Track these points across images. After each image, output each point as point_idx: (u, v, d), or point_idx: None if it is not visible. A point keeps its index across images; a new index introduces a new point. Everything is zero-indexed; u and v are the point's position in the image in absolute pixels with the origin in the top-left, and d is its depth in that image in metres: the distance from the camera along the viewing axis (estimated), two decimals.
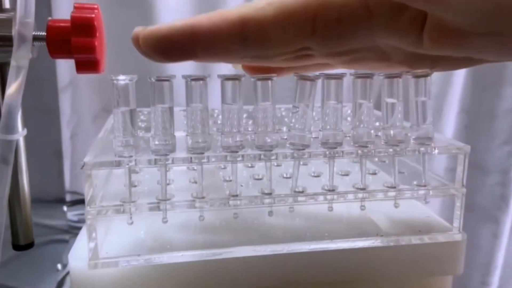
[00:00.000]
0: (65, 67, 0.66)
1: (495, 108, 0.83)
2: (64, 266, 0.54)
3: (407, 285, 0.29)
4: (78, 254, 0.27)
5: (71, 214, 0.63)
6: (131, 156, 0.26)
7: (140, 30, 0.23)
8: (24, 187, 0.34)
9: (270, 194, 0.28)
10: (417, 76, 0.27)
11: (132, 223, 0.27)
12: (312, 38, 0.22)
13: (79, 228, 0.68)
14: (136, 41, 0.23)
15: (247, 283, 0.27)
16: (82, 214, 0.69)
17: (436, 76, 0.84)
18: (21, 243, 0.34)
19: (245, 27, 0.22)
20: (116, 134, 0.26)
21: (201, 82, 0.26)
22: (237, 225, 0.30)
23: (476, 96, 0.87)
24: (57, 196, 0.56)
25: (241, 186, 0.29)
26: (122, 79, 0.26)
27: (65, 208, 0.57)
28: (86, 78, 0.74)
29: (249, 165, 0.36)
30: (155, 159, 0.26)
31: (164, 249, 0.27)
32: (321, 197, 0.28)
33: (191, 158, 0.26)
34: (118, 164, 0.25)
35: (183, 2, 0.79)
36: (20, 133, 0.31)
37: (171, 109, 0.26)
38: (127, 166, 0.25)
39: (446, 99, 0.87)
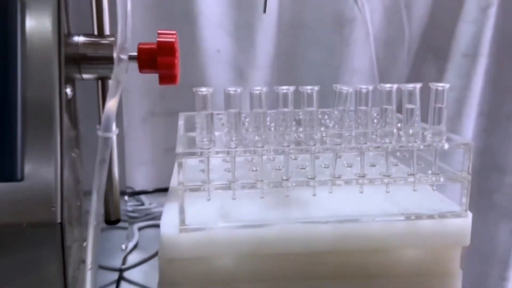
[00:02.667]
0: None
1: None
2: (125, 247, 0.63)
3: (425, 253, 0.37)
4: (167, 223, 0.35)
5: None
6: (209, 148, 0.34)
7: None
8: (116, 176, 0.43)
9: (313, 178, 0.36)
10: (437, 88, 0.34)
11: (209, 199, 0.35)
12: None
13: (134, 218, 0.76)
14: None
15: (294, 248, 0.35)
16: (135, 205, 0.79)
17: (456, 82, 0.90)
18: (112, 219, 0.43)
19: None
20: (199, 132, 0.34)
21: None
22: (286, 203, 0.38)
23: (494, 100, 0.93)
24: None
25: (292, 172, 0.37)
26: (203, 90, 0.34)
27: (126, 198, 0.66)
28: (136, 84, 0.84)
29: (293, 158, 0.44)
30: (228, 151, 0.34)
31: (232, 220, 0.35)
32: (354, 182, 0.36)
33: (254, 150, 0.34)
34: (201, 154, 0.34)
35: (223, 16, 0.88)
36: (114, 132, 0.39)
37: (240, 113, 0.34)
38: (207, 155, 0.34)
39: (465, 103, 0.93)
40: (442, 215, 0.36)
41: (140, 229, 0.71)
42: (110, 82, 0.39)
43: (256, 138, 0.34)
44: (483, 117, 0.97)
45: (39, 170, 0.32)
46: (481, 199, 0.89)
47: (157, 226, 0.73)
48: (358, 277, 0.36)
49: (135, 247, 0.66)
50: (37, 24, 0.33)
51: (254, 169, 0.39)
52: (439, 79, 1.01)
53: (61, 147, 0.33)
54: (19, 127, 0.32)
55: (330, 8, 0.92)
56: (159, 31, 0.40)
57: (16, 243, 0.32)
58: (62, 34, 0.33)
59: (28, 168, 0.32)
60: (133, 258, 0.63)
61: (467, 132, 0.92)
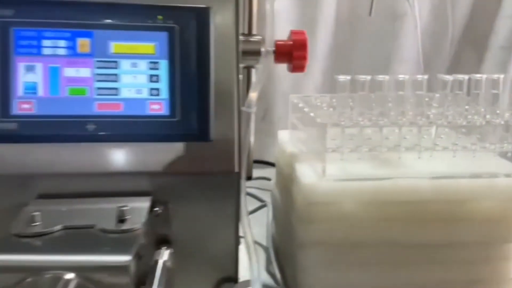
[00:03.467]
0: None
1: None
2: None
3: (500, 204, 0.48)
4: (307, 175, 0.47)
5: None
6: (343, 120, 0.46)
7: None
8: (251, 142, 0.55)
9: (419, 145, 0.47)
10: None
11: (342, 159, 0.47)
12: None
13: None
14: None
15: (402, 197, 0.47)
16: None
17: (492, 71, 1.00)
18: (249, 175, 0.55)
19: None
20: (339, 109, 0.46)
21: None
22: (397, 163, 0.49)
23: None
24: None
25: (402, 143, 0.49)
26: (342, 77, 0.45)
27: None
28: None
29: (396, 130, 0.55)
30: (355, 123, 0.46)
31: (357, 174, 0.47)
32: (449, 148, 0.47)
33: (377, 123, 0.46)
34: (337, 125, 0.45)
35: (289, 11, 0.99)
36: (253, 109, 0.51)
37: (369, 96, 0.46)
38: (343, 126, 0.45)
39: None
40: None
41: None
42: (257, 70, 0.51)
43: (395, 113, 0.46)
44: None
45: (223, 133, 0.44)
46: None
47: None
48: (449, 220, 0.48)
49: None
50: (222, 25, 0.44)
51: (368, 138, 0.51)
52: (477, 69, 1.12)
53: (239, 117, 0.45)
54: (211, 102, 0.44)
55: (384, 4, 1.03)
56: (293, 31, 0.52)
57: (205, 188, 0.44)
58: (238, 33, 0.45)
59: (216, 132, 0.44)
60: None
61: None
